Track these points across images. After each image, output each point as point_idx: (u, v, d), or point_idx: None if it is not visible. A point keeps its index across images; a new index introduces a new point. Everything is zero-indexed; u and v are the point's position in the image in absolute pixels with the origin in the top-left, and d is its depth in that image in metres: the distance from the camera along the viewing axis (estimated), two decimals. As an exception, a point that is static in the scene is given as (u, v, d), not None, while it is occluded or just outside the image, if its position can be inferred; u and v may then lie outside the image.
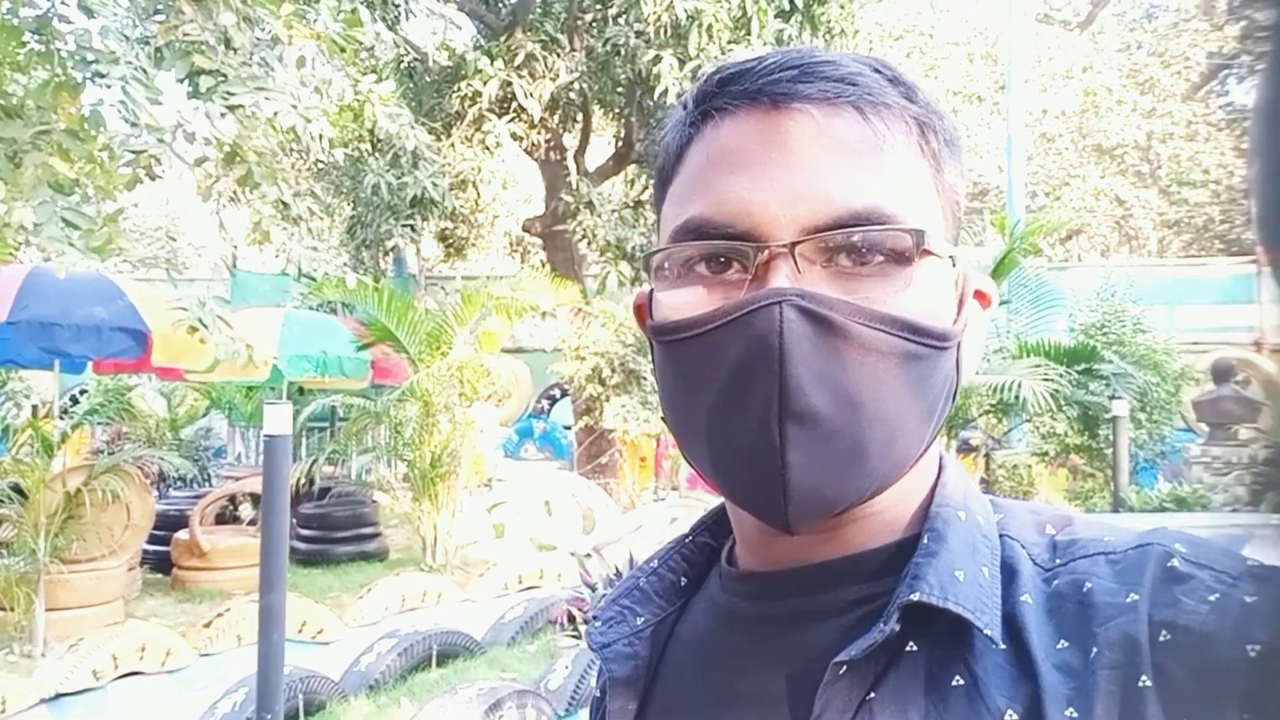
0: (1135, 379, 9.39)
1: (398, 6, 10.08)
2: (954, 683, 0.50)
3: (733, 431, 0.54)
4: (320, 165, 11.36)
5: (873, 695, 0.51)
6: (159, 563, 8.41)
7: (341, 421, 10.93)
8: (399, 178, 9.44)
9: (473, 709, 3.96)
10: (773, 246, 0.53)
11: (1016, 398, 7.44)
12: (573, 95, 10.44)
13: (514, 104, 10.17)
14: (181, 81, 4.80)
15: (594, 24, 10.02)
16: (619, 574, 6.54)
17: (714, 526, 0.70)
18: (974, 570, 0.53)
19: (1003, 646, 0.50)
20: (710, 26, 8.29)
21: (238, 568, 7.91)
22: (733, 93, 0.57)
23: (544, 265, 11.76)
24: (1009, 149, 14.97)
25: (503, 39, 10.01)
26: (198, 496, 9.19)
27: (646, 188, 11.05)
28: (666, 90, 8.72)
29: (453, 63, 10.44)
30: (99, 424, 11.25)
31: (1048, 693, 0.48)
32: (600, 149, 13.11)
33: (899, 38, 20.76)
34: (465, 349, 8.74)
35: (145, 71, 4.47)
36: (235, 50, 5.14)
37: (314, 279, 7.03)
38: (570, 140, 11.66)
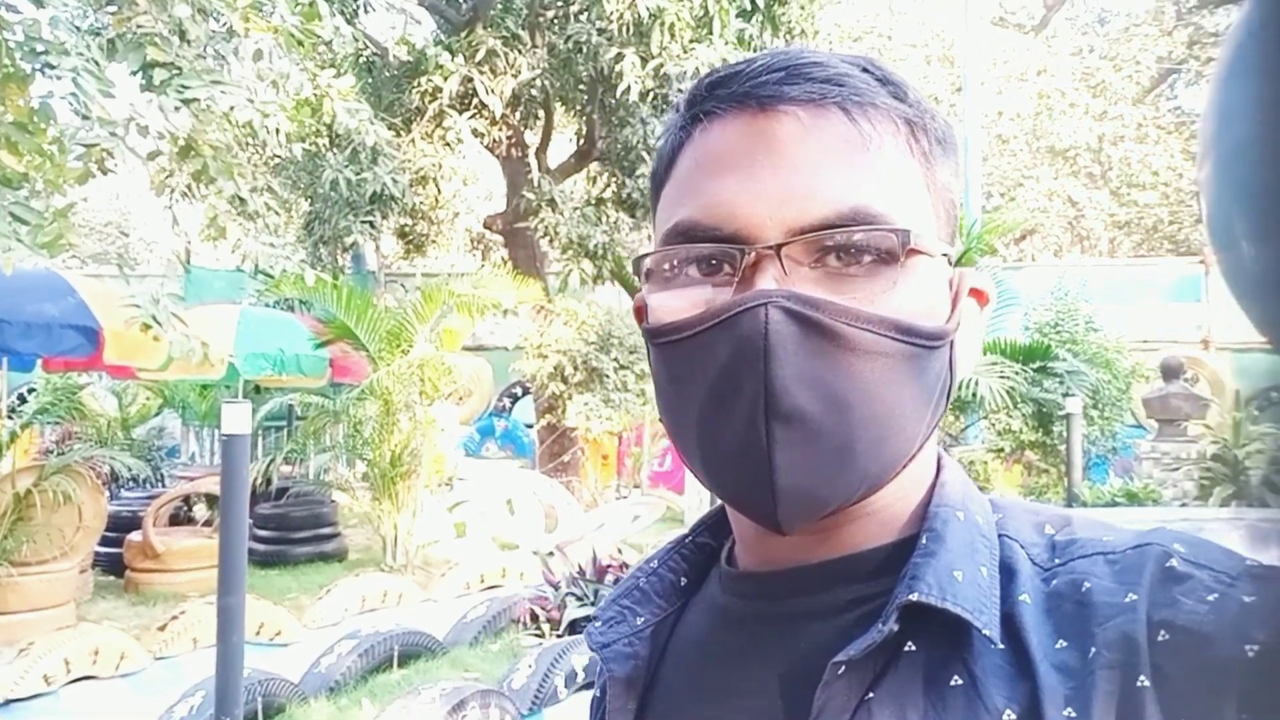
0: (1088, 377, 9.59)
1: (356, 0, 9.97)
2: (952, 682, 0.51)
3: (722, 433, 0.54)
4: (277, 160, 11.20)
5: (871, 695, 0.51)
6: (111, 565, 8.24)
7: (299, 420, 10.79)
8: (358, 173, 9.34)
9: (435, 709, 3.94)
10: (759, 248, 0.54)
11: (974, 395, 7.56)
12: (534, 92, 10.40)
13: (475, 100, 10.11)
14: (135, 74, 4.71)
15: (556, 21, 9.99)
16: (581, 572, 6.54)
17: (714, 527, 0.70)
18: (972, 570, 0.54)
19: (1001, 646, 0.51)
20: (672, 25, 8.31)
21: (193, 569, 7.78)
22: (721, 96, 0.57)
23: (505, 263, 11.71)
24: (965, 150, 15.18)
25: (464, 34, 9.95)
26: (151, 497, 9.01)
27: (609, 186, 11.05)
28: (629, 88, 8.72)
29: (413, 58, 10.36)
30: (48, 423, 11.01)
31: (1046, 692, 0.48)
32: (562, 146, 13.08)
33: (858, 39, 20.97)
34: (426, 347, 8.67)
35: (97, 63, 4.38)
36: (190, 43, 5.06)
37: (271, 276, 6.94)
38: (532, 137, 11.62)
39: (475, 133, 10.68)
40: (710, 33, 8.65)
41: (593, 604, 6.08)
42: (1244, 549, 0.51)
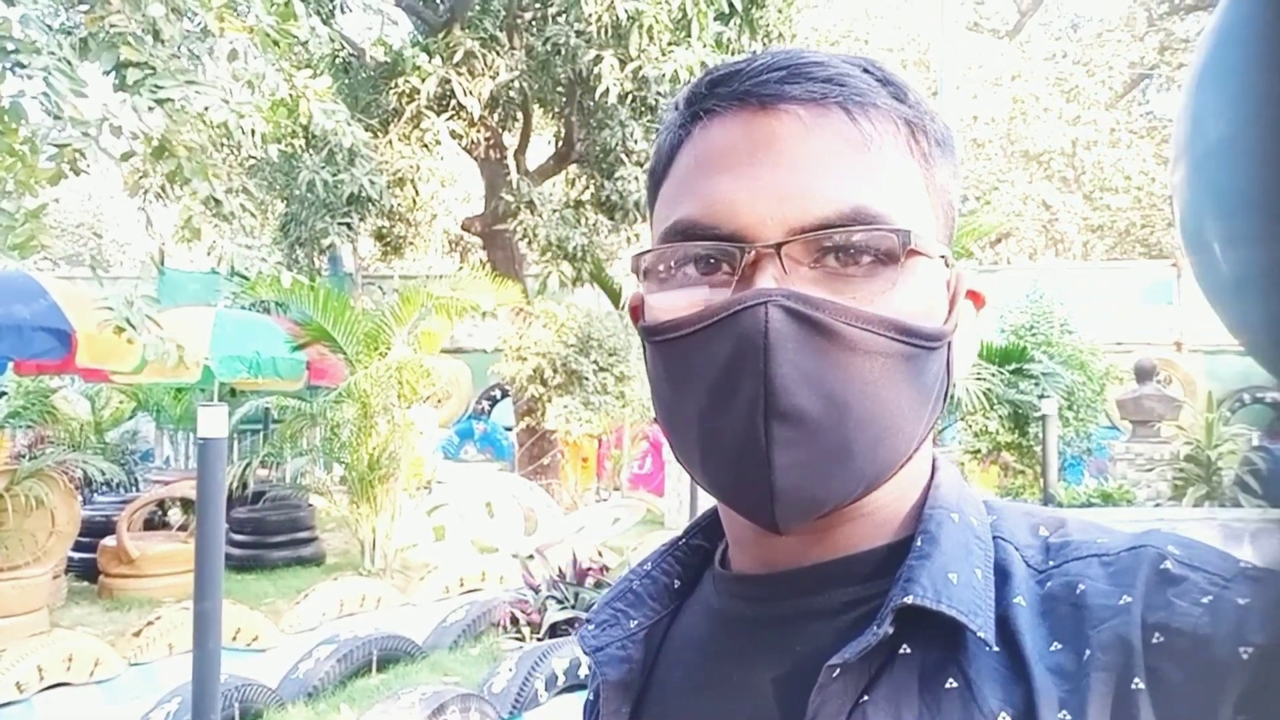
0: (1063, 378, 9.68)
1: (333, 1, 9.92)
2: (947, 685, 0.50)
3: (720, 432, 0.54)
4: (253, 161, 11.11)
5: (866, 698, 0.51)
6: (85, 570, 8.13)
7: (276, 424, 10.70)
8: (335, 175, 9.28)
9: (415, 714, 3.92)
10: (759, 247, 0.54)
11: (951, 396, 7.61)
12: (513, 94, 10.38)
13: (453, 102, 10.07)
14: (108, 74, 4.67)
15: (534, 22, 9.98)
16: (561, 575, 6.53)
17: (707, 529, 0.70)
18: (967, 572, 0.54)
19: (996, 649, 0.51)
20: (651, 27, 8.32)
21: (168, 574, 7.70)
22: (721, 94, 0.57)
23: (484, 265, 11.67)
24: (942, 153, 15.27)
25: (441, 36, 9.91)
26: (125, 502, 8.90)
27: (587, 188, 11.05)
28: (607, 90, 8.72)
29: (390, 59, 10.31)
30: (19, 428, 10.84)
31: (1041, 695, 0.48)
32: (541, 148, 13.06)
33: (835, 43, 21.08)
34: (404, 349, 8.62)
35: (69, 63, 4.33)
36: (164, 42, 5.01)
37: (247, 278, 6.88)
38: (510, 139, 11.60)
39: (453, 134, 10.65)
40: (688, 35, 8.67)
41: (573, 607, 6.07)
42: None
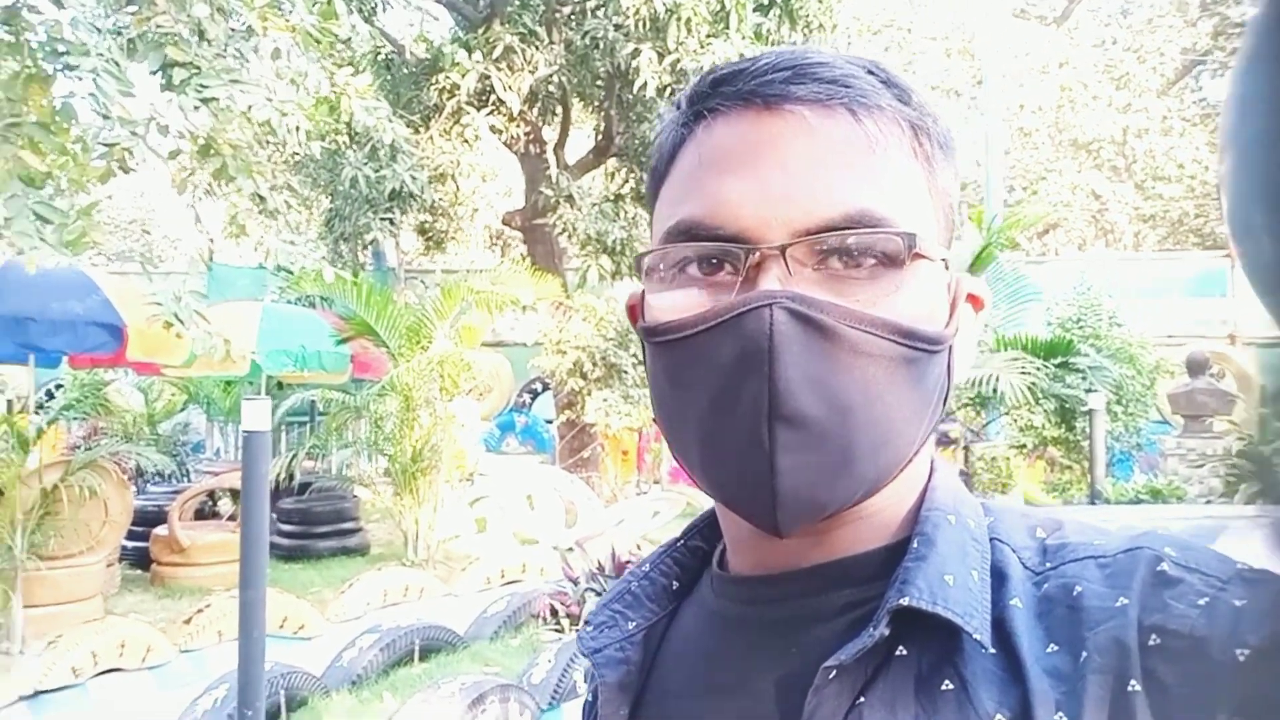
0: (1111, 372, 9.49)
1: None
2: (943, 687, 0.50)
3: (722, 434, 0.53)
4: (297, 158, 11.27)
5: (862, 699, 0.51)
6: (138, 559, 8.35)
7: (321, 416, 10.87)
8: (377, 170, 9.38)
9: (455, 703, 3.96)
10: (763, 249, 0.53)
11: (994, 391, 7.51)
12: (552, 88, 10.41)
13: (493, 97, 10.13)
14: (155, 74, 4.75)
15: (572, 17, 9.99)
16: (601, 568, 6.55)
17: (705, 530, 0.70)
18: (964, 574, 0.53)
19: (992, 651, 0.50)
20: (689, 20, 8.29)
21: (217, 563, 7.85)
22: (725, 93, 0.57)
23: (524, 259, 11.73)
24: (986, 144, 15.06)
25: (481, 31, 9.97)
26: (176, 492, 9.11)
27: (626, 181, 11.05)
28: (645, 84, 8.71)
29: (430, 55, 10.39)
30: (75, 419, 11.15)
31: (1037, 697, 0.48)
32: (580, 142, 13.08)
33: (877, 32, 20.84)
34: (445, 343, 8.70)
35: (117, 64, 4.42)
36: (209, 42, 5.09)
37: (291, 273, 6.98)
38: (550, 133, 11.63)
39: (493, 129, 10.71)
40: (727, 27, 8.62)
41: (612, 599, 6.09)
42: (1269, 547, 0.50)
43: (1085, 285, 11.24)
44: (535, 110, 10.88)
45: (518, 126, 10.79)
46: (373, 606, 6.89)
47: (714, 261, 0.56)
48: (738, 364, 0.52)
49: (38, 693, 4.90)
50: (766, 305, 0.51)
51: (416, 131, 10.15)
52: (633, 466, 12.41)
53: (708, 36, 8.64)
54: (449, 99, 10.03)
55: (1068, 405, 9.44)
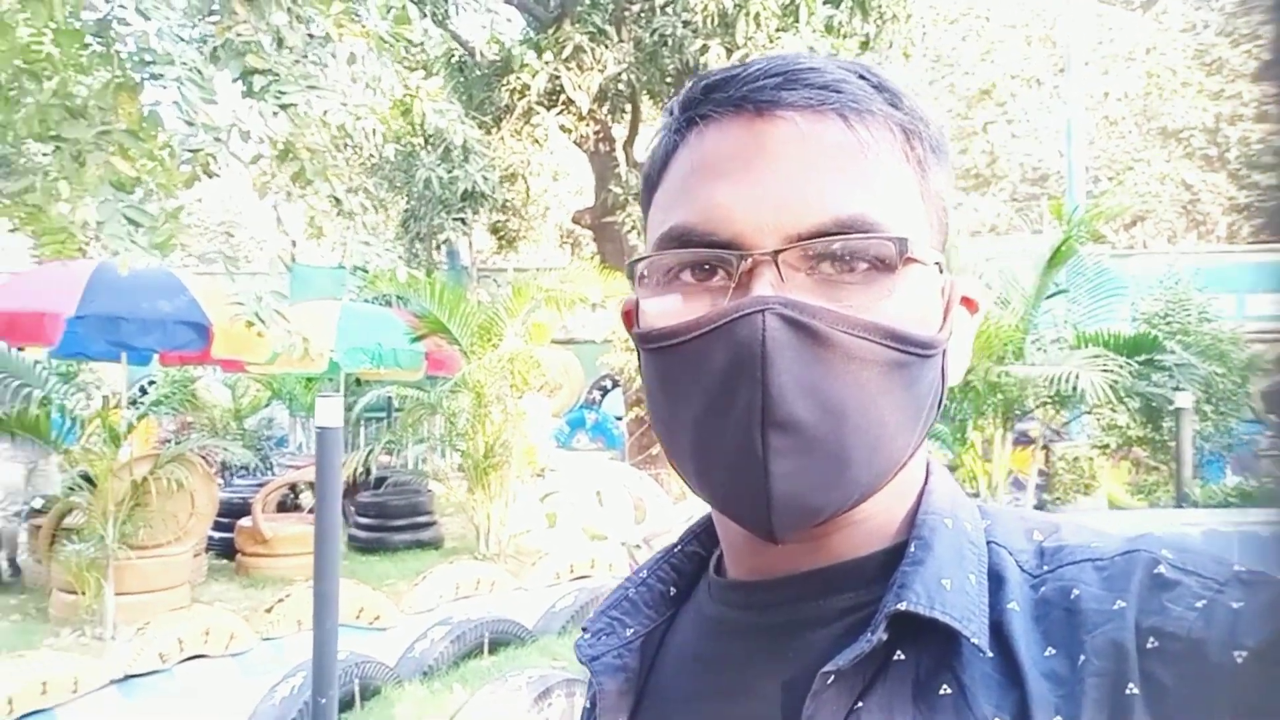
0: (1199, 370, 9.12)
1: (447, 2, 10.18)
2: (941, 691, 0.50)
3: (716, 440, 0.54)
4: (373, 161, 11.54)
5: (860, 704, 0.51)
6: (224, 549, 8.66)
7: (397, 412, 11.12)
8: (450, 171, 9.55)
9: (522, 696, 4.02)
10: (756, 255, 0.53)
11: (1074, 389, 7.28)
12: (621, 86, 10.45)
13: (562, 96, 10.21)
14: (236, 81, 4.92)
15: (642, 14, 10.00)
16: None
17: (702, 536, 0.70)
18: (961, 578, 0.53)
19: (990, 655, 0.50)
20: (758, 14, 8.23)
21: (298, 554, 8.09)
22: (717, 100, 0.57)
23: (595, 257, 11.80)
24: (1069, 133, 14.61)
25: (551, 32, 10.06)
26: (260, 485, 9.44)
27: (696, 178, 11.01)
28: (714, 80, 8.69)
29: (501, 57, 10.53)
30: (166, 414, 11.62)
31: (1035, 701, 0.48)
32: (649, 139, 13.08)
33: (954, 21, 20.37)
34: (515, 341, 8.82)
35: (200, 72, 4.59)
36: (289, 49, 5.25)
37: (367, 272, 7.16)
38: (619, 131, 11.67)
39: (563, 128, 10.79)
40: (796, 21, 8.53)
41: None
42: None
43: (1173, 279, 10.81)
44: (604, 109, 10.93)
45: (587, 125, 10.85)
46: (445, 599, 7.03)
47: (707, 268, 0.56)
48: (731, 370, 0.52)
49: (127, 676, 5.13)
50: (759, 311, 0.51)
51: (488, 132, 10.29)
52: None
53: (777, 30, 8.57)
54: (519, 99, 10.15)
55: (1154, 404, 9.10)
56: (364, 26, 5.51)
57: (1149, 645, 0.47)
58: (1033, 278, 8.17)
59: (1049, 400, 8.36)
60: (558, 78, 9.80)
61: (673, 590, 0.68)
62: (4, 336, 6.80)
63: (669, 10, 9.22)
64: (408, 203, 11.50)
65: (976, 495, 7.99)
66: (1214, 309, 10.59)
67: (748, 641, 0.60)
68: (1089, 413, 9.72)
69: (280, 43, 5.04)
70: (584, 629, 0.67)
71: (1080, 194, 13.31)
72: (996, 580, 0.54)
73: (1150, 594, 0.49)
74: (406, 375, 9.86)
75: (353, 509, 9.62)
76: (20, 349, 7.29)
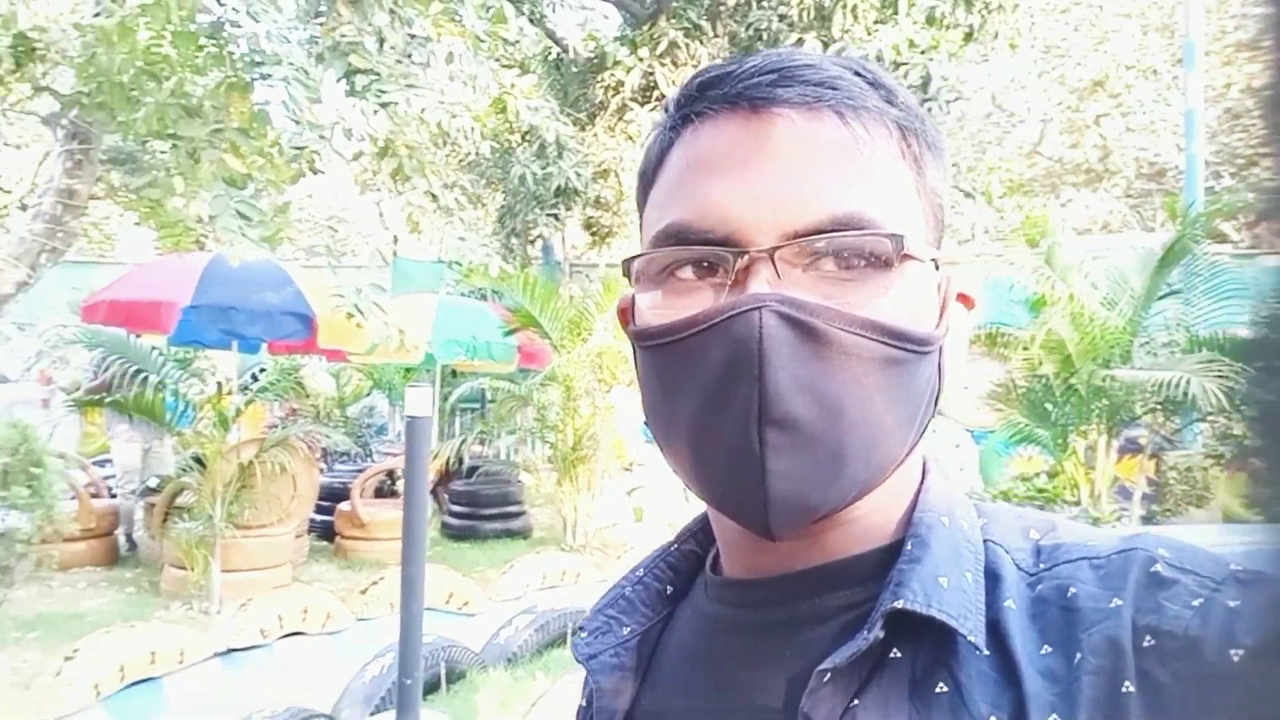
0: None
1: (542, 1, 10.32)
2: (938, 689, 0.50)
3: (713, 438, 0.54)
4: (471, 157, 11.79)
5: (856, 702, 0.51)
6: (325, 531, 9.00)
7: (490, 403, 11.35)
8: (544, 168, 9.67)
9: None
10: (753, 252, 0.54)
11: (1186, 395, 6.93)
12: (716, 82, 10.41)
13: (656, 92, 10.23)
14: (339, 80, 5.10)
15: (737, 9, 9.94)
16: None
17: (699, 534, 0.70)
18: (958, 576, 0.53)
19: (986, 653, 0.50)
20: (855, 7, 8.08)
21: (394, 539, 8.26)
22: (713, 97, 0.57)
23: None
24: (1188, 127, 13.88)
25: (646, 28, 10.10)
26: (359, 471, 9.76)
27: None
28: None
29: (596, 54, 10.61)
30: (273, 400, 12.13)
31: (1031, 699, 0.48)
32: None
33: (1065, 10, 19.59)
34: (604, 335, 8.89)
35: (305, 72, 4.77)
36: (391, 49, 5.42)
37: (461, 266, 7.33)
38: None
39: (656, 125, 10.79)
40: (895, 12, 8.34)
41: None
42: None
43: (1300, 280, 10.13)
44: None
45: (681, 121, 10.82)
46: (531, 588, 7.15)
47: (703, 265, 0.56)
48: (727, 367, 0.52)
49: (230, 650, 5.39)
50: (756, 308, 0.52)
51: (582, 129, 10.39)
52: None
53: (875, 23, 8.40)
54: (613, 96, 10.21)
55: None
56: (462, 26, 5.63)
57: (1145, 643, 0.47)
58: (1143, 278, 7.81)
59: (1157, 406, 7.99)
60: (652, 74, 9.82)
61: (670, 589, 0.69)
62: (124, 324, 7.21)
63: (765, 4, 9.14)
64: (504, 199, 11.70)
65: (1077, 504, 7.70)
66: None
67: (744, 639, 0.60)
68: (1202, 420, 9.23)
69: (382, 43, 5.19)
70: (580, 628, 0.68)
71: (1199, 190, 12.64)
72: (993, 578, 0.54)
73: (1147, 592, 0.49)
74: (499, 368, 10.05)
75: (446, 497, 9.87)
76: (139, 336, 7.72)
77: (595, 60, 10.60)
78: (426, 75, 5.67)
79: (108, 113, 5.36)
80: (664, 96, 10.41)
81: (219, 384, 7.48)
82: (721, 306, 0.53)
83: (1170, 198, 9.24)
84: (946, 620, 0.50)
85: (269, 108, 4.98)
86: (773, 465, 0.52)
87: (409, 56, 5.50)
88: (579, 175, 9.64)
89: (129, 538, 8.24)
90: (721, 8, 9.98)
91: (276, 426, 10.93)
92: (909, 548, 0.55)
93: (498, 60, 6.39)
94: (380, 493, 9.61)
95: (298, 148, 5.03)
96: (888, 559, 0.56)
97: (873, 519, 0.58)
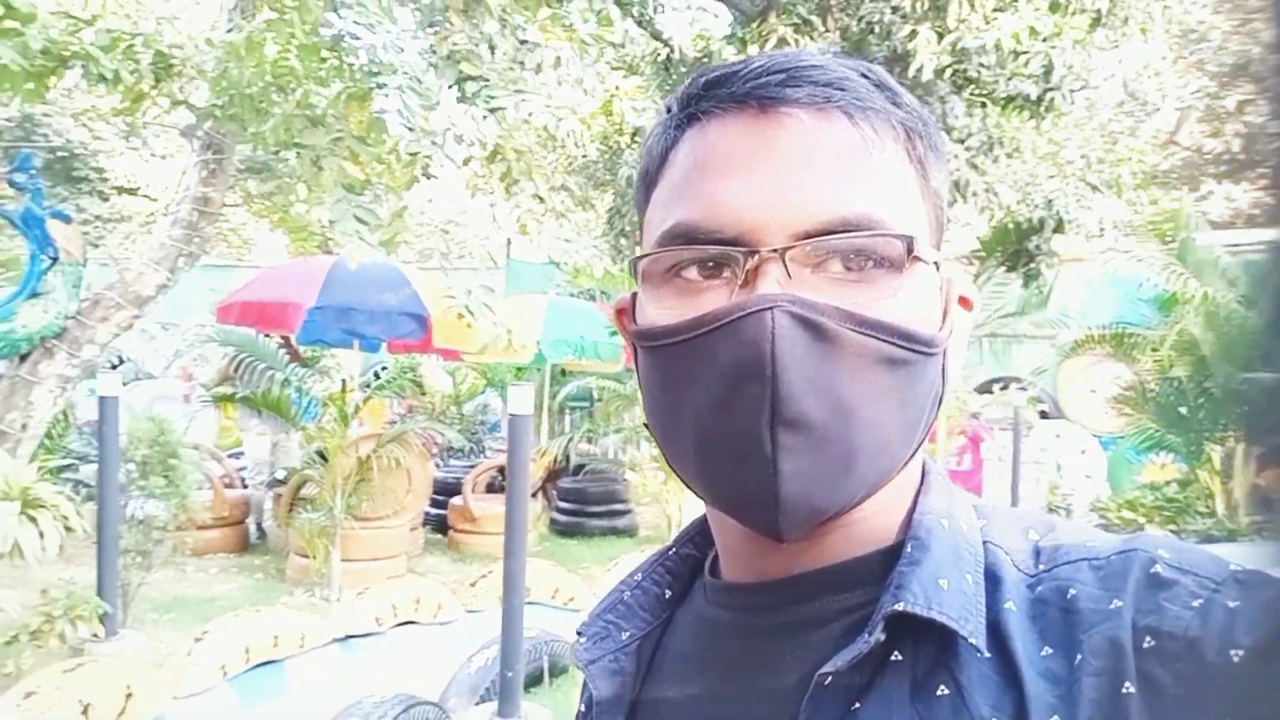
0: None
1: (646, 3, 10.36)
2: (939, 692, 0.50)
3: (722, 439, 0.53)
4: (581, 160, 11.94)
5: (858, 705, 0.51)
6: (439, 525, 9.30)
7: (598, 402, 11.49)
8: (651, 169, 9.70)
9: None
10: (763, 252, 0.53)
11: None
12: (827, 78, 10.25)
13: (765, 90, 10.11)
14: (450, 88, 5.25)
15: (849, 3, 9.75)
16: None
17: (697, 537, 0.70)
18: (958, 578, 0.53)
19: (987, 655, 0.50)
20: (973, -4, 7.82)
21: (503, 533, 8.54)
22: (720, 96, 0.57)
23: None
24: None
25: (755, 25, 10.01)
26: (472, 466, 10.05)
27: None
28: (921, 67, 8.33)
29: (703, 54, 10.59)
30: (392, 397, 12.62)
31: (1032, 701, 0.48)
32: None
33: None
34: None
35: (419, 80, 4.93)
36: (503, 55, 5.55)
37: (569, 267, 7.44)
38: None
39: (766, 123, 10.68)
40: (1015, 0, 8.02)
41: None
42: None
43: None
44: (808, 101, 10.76)
45: (790, 118, 10.69)
46: (636, 586, 7.19)
47: (711, 265, 0.56)
48: (739, 368, 0.52)
49: (348, 636, 5.63)
50: (768, 309, 0.51)
51: (691, 128, 10.37)
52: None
53: (994, 10, 8.10)
54: (721, 95, 10.13)
55: None
56: (570, 30, 5.71)
57: (1146, 644, 0.47)
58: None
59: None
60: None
61: (668, 593, 0.68)
62: (255, 324, 7.62)
63: (878, -3, 8.93)
64: (612, 200, 11.81)
65: (1212, 515, 7.24)
66: None
67: (745, 644, 0.60)
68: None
69: (492, 49, 5.32)
70: (579, 634, 0.68)
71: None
72: (993, 580, 0.54)
73: (1147, 593, 0.49)
74: (606, 367, 10.15)
75: (554, 494, 10.04)
76: (268, 335, 8.14)
77: (703, 60, 10.57)
78: (534, 80, 5.78)
79: (239, 124, 5.68)
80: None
81: (343, 381, 7.82)
82: (732, 306, 0.53)
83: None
84: (947, 622, 0.50)
85: (385, 116, 5.17)
86: (785, 466, 0.52)
87: (520, 63, 5.62)
88: (686, 175, 9.63)
89: (259, 526, 8.71)
90: (832, 2, 9.81)
91: (394, 422, 11.36)
92: (909, 550, 0.55)
93: (605, 63, 6.45)
94: (491, 488, 9.85)
95: (411, 153, 5.20)
96: (888, 561, 0.55)
97: (874, 521, 0.57)
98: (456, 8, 5.46)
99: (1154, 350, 7.65)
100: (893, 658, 0.52)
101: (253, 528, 8.66)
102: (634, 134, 10.01)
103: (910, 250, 0.54)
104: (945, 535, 0.55)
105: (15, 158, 6.10)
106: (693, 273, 0.56)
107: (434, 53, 5.40)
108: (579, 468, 10.03)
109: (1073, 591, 0.51)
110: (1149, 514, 7.30)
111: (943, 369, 0.58)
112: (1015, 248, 10.21)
